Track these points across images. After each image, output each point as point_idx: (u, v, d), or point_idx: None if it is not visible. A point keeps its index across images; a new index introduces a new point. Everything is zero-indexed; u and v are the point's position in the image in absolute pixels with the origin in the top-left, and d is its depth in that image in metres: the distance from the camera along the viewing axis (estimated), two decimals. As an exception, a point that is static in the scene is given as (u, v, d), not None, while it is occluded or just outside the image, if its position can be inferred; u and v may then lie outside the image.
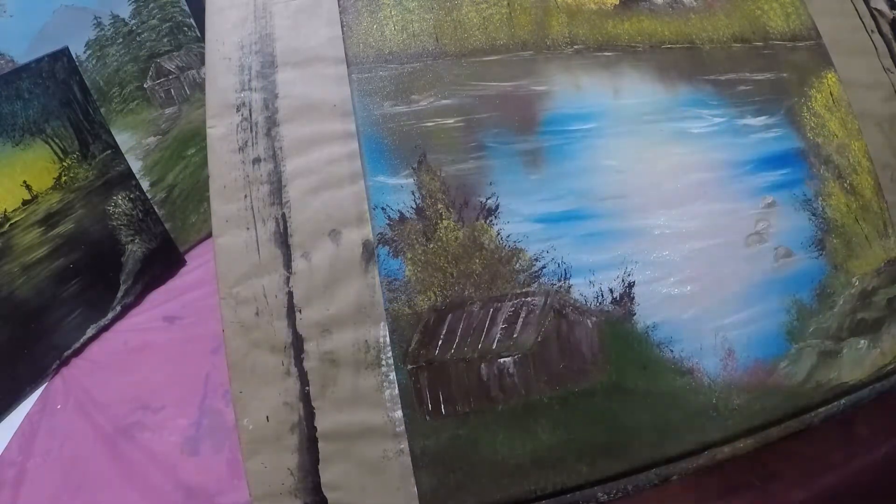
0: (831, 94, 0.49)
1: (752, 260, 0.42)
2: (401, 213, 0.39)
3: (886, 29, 0.52)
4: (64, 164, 0.61)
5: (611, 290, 0.40)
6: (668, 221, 0.41)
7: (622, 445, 0.37)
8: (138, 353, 0.66)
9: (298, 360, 0.36)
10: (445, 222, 0.39)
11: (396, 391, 0.36)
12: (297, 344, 0.36)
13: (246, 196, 0.38)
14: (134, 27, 0.69)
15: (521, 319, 0.38)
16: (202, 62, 0.74)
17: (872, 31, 0.52)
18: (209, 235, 0.56)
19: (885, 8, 0.52)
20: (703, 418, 0.38)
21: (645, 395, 0.38)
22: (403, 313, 0.37)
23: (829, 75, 0.50)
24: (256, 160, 0.38)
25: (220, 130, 0.39)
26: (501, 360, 0.37)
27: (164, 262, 0.72)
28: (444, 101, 0.42)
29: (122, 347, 0.66)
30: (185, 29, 0.75)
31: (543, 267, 0.39)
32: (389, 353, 0.36)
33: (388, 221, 0.39)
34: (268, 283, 0.36)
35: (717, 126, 0.46)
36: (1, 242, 0.57)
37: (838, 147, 0.47)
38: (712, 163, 0.44)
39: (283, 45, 0.41)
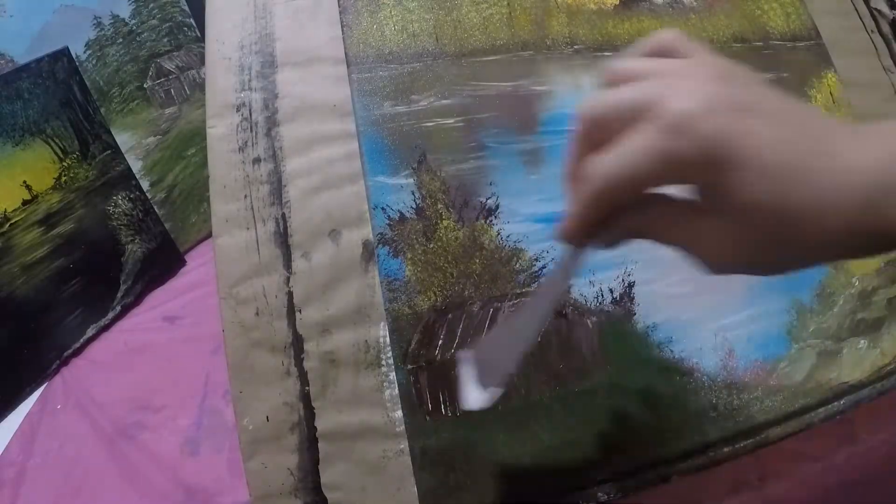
0: (831, 94, 0.49)
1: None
2: (401, 213, 0.39)
3: (886, 29, 0.52)
4: (64, 164, 0.61)
5: (611, 290, 0.40)
6: (668, 221, 0.41)
7: (622, 445, 0.37)
8: (138, 353, 0.66)
9: (298, 360, 0.36)
10: (445, 222, 0.39)
11: (396, 391, 0.36)
12: (297, 344, 0.36)
13: (246, 196, 0.38)
14: (134, 27, 0.69)
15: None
16: (202, 62, 0.74)
17: (872, 31, 0.52)
18: (209, 235, 0.56)
19: (885, 8, 0.52)
20: (703, 418, 0.38)
21: (645, 395, 0.38)
22: (403, 313, 0.37)
23: (829, 75, 0.50)
24: (256, 160, 0.38)
25: (220, 130, 0.39)
26: (501, 360, 0.37)
27: (164, 262, 0.72)
28: (444, 101, 0.42)
29: (122, 347, 0.66)
30: (185, 29, 0.75)
31: (543, 267, 0.39)
32: (389, 353, 0.36)
33: (388, 221, 0.39)
34: (268, 283, 0.36)
35: (717, 126, 0.46)
36: (1, 242, 0.57)
37: (838, 147, 0.47)
38: (712, 163, 0.44)
39: (283, 45, 0.41)
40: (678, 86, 0.21)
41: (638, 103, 0.21)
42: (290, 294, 0.36)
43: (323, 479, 0.34)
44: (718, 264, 0.23)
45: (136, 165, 0.69)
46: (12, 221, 0.58)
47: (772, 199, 0.20)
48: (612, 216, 0.24)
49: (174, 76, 0.74)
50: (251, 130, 0.39)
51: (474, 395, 0.29)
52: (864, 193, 0.20)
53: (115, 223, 0.67)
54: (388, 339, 0.36)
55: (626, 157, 0.21)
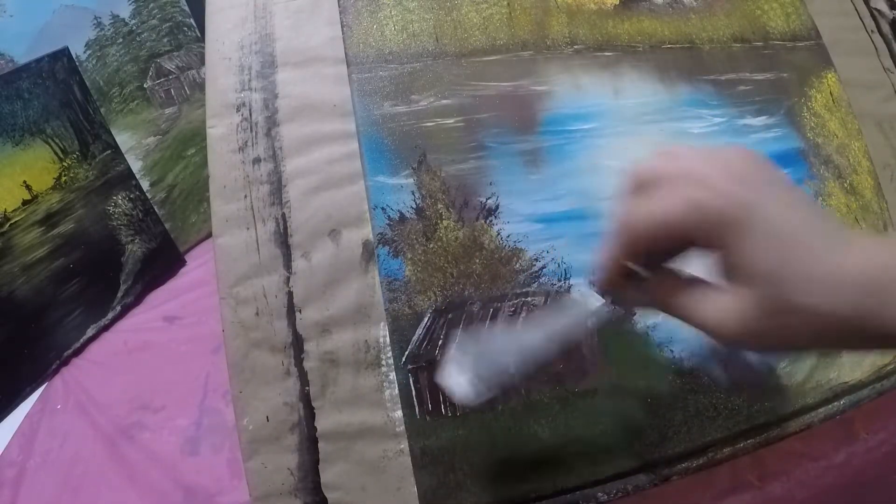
0: (831, 94, 0.49)
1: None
2: (401, 213, 0.39)
3: (886, 29, 0.52)
4: (64, 164, 0.61)
5: (611, 290, 0.40)
6: (668, 221, 0.41)
7: (622, 445, 0.37)
8: (138, 353, 0.66)
9: (298, 360, 0.36)
10: (445, 222, 0.39)
11: (396, 391, 0.36)
12: (297, 344, 0.36)
13: (246, 196, 0.38)
14: (134, 27, 0.69)
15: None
16: (202, 62, 0.74)
17: (872, 31, 0.52)
18: (209, 235, 0.56)
19: (885, 8, 0.52)
20: (703, 418, 0.38)
21: (645, 395, 0.38)
22: (403, 313, 0.37)
23: (829, 75, 0.50)
24: (256, 160, 0.38)
25: (220, 130, 0.39)
26: (501, 360, 0.37)
27: (164, 262, 0.72)
28: (444, 101, 0.42)
29: (122, 347, 0.66)
30: (185, 29, 0.75)
31: (543, 267, 0.39)
32: (389, 353, 0.36)
33: (388, 221, 0.39)
34: (268, 283, 0.36)
35: (717, 126, 0.46)
36: (1, 242, 0.57)
37: (838, 147, 0.47)
38: (712, 163, 0.44)
39: (283, 45, 0.41)
40: (703, 161, 0.24)
41: (672, 171, 0.24)
42: (290, 294, 0.36)
43: (323, 479, 0.34)
44: (726, 336, 0.24)
45: (136, 165, 0.69)
46: (12, 221, 0.58)
47: (771, 265, 0.22)
48: (641, 285, 0.27)
49: (174, 76, 0.74)
50: (251, 130, 0.39)
51: (465, 390, 0.29)
52: (854, 297, 0.21)
53: (115, 223, 0.67)
54: (388, 339, 0.36)
55: (661, 203, 0.24)
